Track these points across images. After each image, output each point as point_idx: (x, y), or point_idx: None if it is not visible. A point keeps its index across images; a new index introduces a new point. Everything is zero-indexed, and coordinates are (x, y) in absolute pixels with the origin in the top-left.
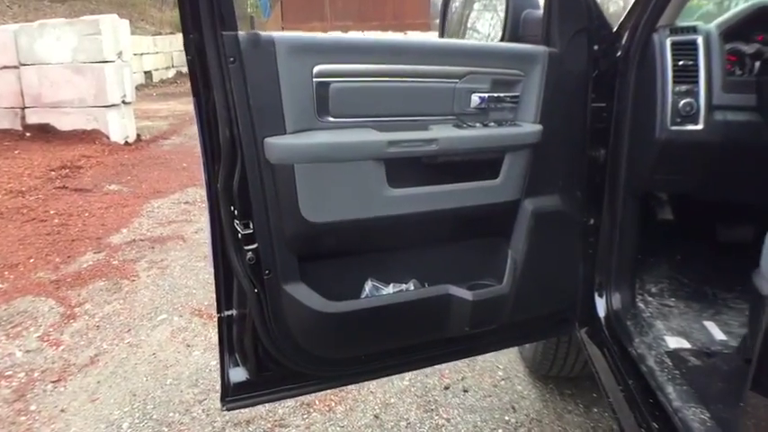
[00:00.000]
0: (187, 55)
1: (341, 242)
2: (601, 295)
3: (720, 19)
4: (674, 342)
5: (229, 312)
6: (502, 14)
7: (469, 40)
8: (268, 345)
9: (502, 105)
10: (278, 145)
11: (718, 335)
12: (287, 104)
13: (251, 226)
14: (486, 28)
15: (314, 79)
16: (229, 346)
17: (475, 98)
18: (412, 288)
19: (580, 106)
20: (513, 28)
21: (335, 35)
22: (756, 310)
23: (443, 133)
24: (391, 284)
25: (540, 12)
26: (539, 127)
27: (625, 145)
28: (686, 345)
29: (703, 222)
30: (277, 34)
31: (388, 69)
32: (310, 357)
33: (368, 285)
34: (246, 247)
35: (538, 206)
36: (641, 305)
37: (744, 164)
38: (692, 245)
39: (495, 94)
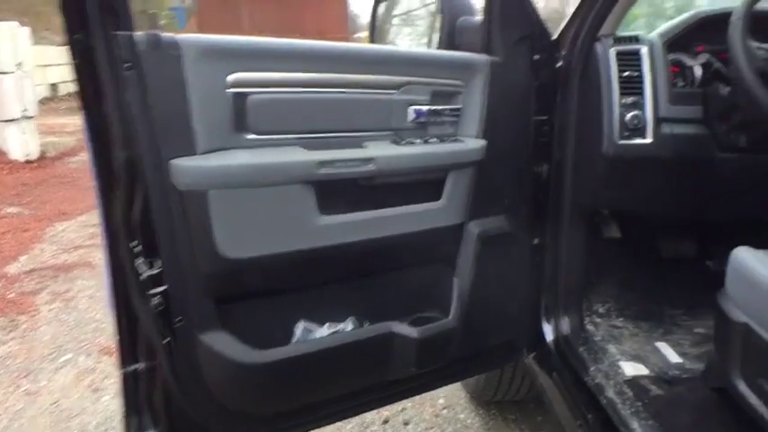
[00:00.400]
0: (73, 59)
1: (266, 280)
2: (548, 319)
3: (662, 29)
4: (630, 368)
5: (135, 366)
6: (421, 29)
7: (406, 47)
8: (183, 403)
9: (442, 119)
10: (187, 168)
11: (673, 357)
12: (197, 119)
13: (157, 265)
14: (405, 43)
15: (229, 89)
16: (136, 406)
17: (413, 111)
18: (350, 327)
19: (524, 119)
20: (449, 36)
21: (254, 38)
22: (725, 335)
23: (381, 151)
24: (326, 325)
25: (478, 18)
26: (482, 142)
27: (569, 160)
28: (644, 371)
29: (646, 237)
30: (183, 36)
31: (316, 78)
32: (234, 415)
33: (299, 328)
34: (153, 291)
35: (484, 229)
36: (591, 327)
37: (691, 178)
38: (634, 260)
39: (435, 107)
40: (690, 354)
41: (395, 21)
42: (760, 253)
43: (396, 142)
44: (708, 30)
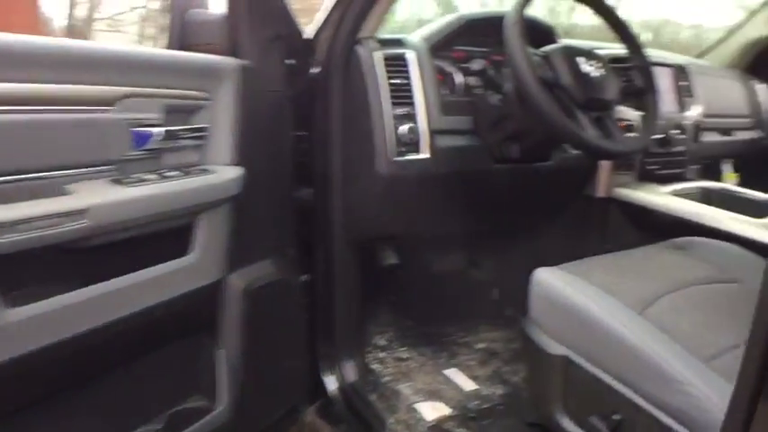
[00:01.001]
0: None
1: None
2: (330, 367)
3: (425, 32)
4: (429, 410)
5: None
6: (134, 38)
7: (124, 44)
8: None
9: (182, 143)
10: None
11: (467, 384)
12: None
13: None
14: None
15: None
16: None
17: (140, 135)
18: None
19: (285, 137)
20: (177, 32)
21: None
22: (541, 368)
23: (96, 197)
24: None
25: (213, 12)
26: (239, 171)
27: (337, 182)
28: (445, 410)
29: (418, 256)
30: None
31: None
32: None
33: None
34: None
35: (250, 281)
36: (377, 366)
37: (469, 192)
38: (406, 282)
39: (171, 128)
40: (481, 376)
41: (97, 26)
42: (564, 274)
43: (118, 181)
44: (472, 34)
